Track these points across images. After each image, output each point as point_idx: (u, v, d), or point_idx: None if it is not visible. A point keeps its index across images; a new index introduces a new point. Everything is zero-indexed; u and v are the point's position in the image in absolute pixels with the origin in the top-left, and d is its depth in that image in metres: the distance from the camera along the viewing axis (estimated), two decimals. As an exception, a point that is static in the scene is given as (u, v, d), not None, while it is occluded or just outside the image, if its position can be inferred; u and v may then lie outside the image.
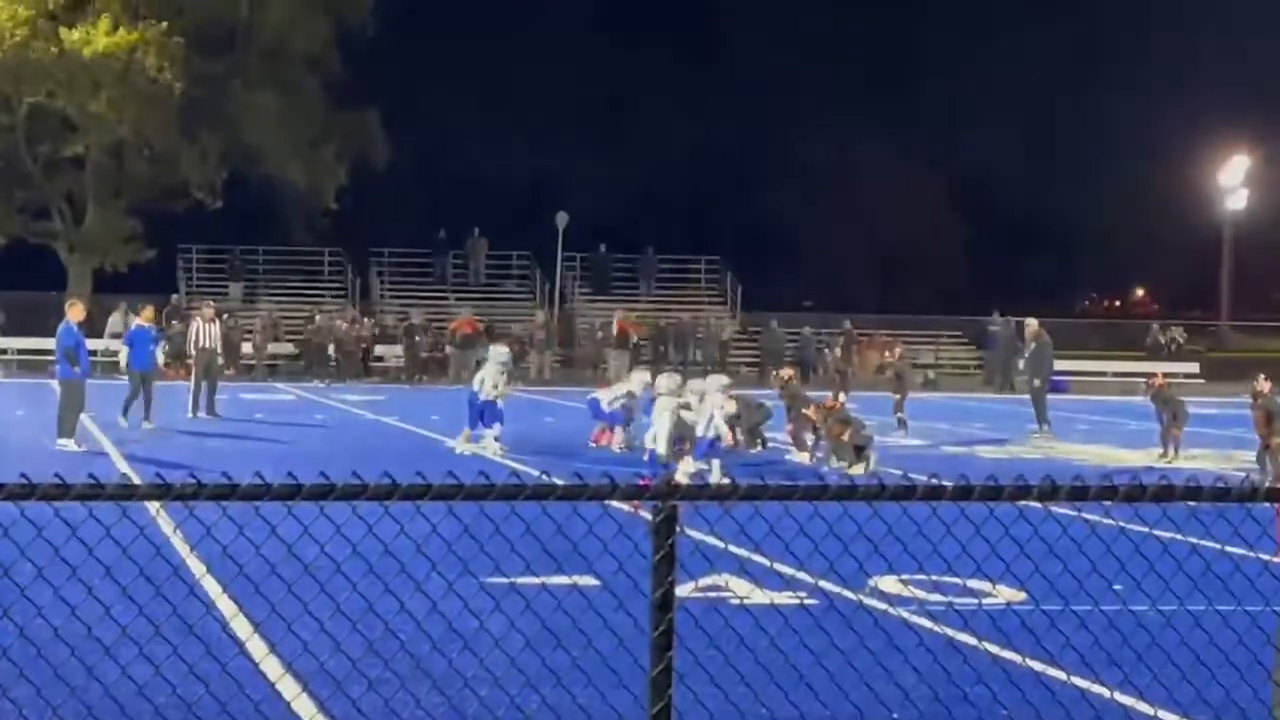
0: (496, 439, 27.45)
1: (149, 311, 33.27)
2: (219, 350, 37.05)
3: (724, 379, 26.86)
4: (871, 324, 61.63)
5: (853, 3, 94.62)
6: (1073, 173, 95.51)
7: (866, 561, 9.91)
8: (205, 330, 35.70)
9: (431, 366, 53.65)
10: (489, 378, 27.70)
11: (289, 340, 55.94)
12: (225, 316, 54.59)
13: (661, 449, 23.49)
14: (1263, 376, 26.05)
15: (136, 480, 21.08)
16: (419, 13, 75.11)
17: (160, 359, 35.16)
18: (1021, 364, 41.41)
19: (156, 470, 22.81)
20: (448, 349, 53.21)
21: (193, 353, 35.89)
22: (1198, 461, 28.74)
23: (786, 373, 31.49)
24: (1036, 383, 36.11)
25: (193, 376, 35.42)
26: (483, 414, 27.53)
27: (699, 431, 24.12)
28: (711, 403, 24.49)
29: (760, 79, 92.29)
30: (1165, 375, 32.70)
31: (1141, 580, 10.43)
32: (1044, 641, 10.25)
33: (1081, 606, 11.26)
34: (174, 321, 53.16)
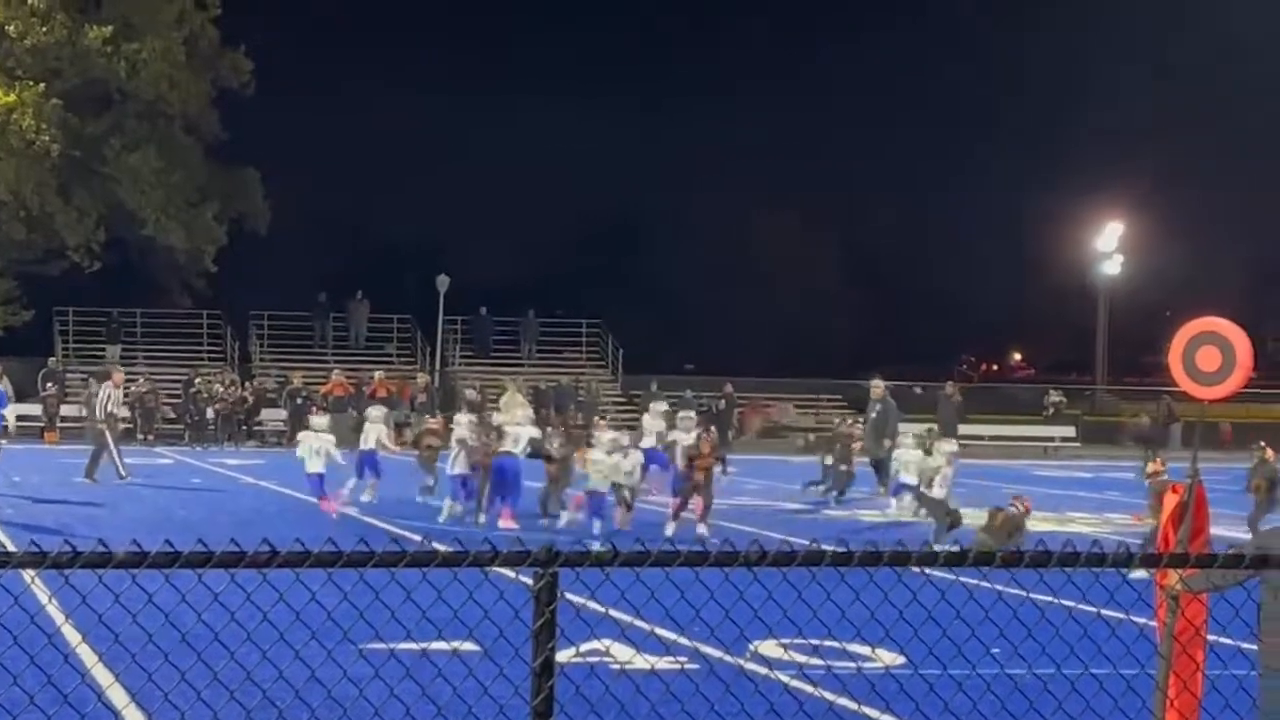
0: (370, 489, 28.53)
1: None
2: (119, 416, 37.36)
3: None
4: (753, 387, 61.85)
5: (744, 68, 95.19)
6: (951, 237, 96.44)
7: (747, 627, 9.92)
8: (115, 396, 36.17)
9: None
10: (377, 435, 29.01)
11: (166, 404, 55.43)
12: (139, 380, 54.16)
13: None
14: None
15: (10, 547, 20.82)
16: (300, 73, 74.94)
17: (11, 420, 35.14)
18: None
19: (31, 537, 22.54)
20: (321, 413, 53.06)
21: (102, 417, 35.80)
22: (1074, 525, 28.97)
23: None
24: (887, 443, 35.14)
25: (110, 440, 35.24)
26: (363, 466, 28.66)
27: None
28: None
29: (643, 143, 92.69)
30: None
31: (1019, 644, 10.50)
32: (923, 705, 10.30)
33: (960, 670, 11.33)
34: (49, 385, 52.61)
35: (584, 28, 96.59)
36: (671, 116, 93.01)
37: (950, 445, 27.04)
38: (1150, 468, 25.68)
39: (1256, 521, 26.21)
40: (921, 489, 26.34)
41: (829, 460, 33.92)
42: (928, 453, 28.82)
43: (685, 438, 28.61)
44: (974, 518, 25.55)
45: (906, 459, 30.06)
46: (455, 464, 27.20)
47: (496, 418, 28.40)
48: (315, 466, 28.54)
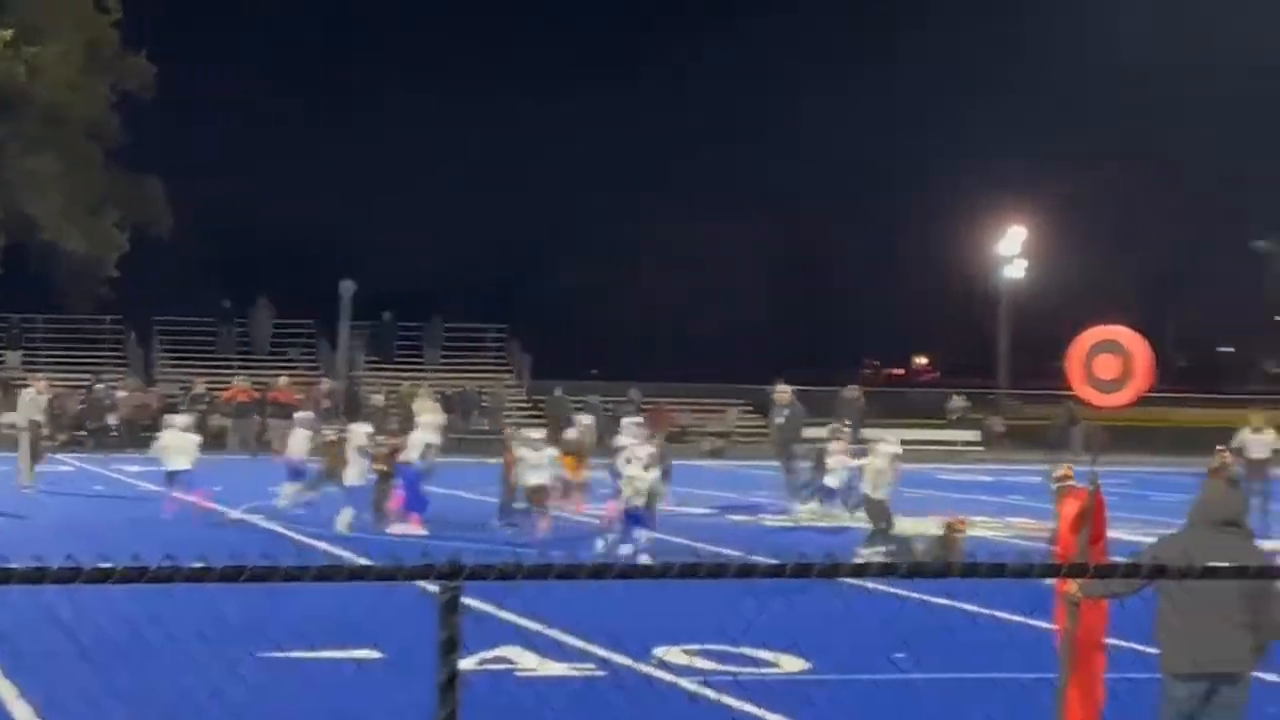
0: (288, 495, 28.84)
1: None
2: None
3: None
4: (658, 392, 61.90)
5: (651, 69, 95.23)
6: (856, 241, 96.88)
7: (652, 634, 9.94)
8: (39, 402, 36.17)
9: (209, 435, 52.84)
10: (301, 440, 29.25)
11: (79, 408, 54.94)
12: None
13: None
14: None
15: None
16: (201, 78, 74.54)
17: None
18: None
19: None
20: (223, 418, 52.73)
21: (24, 424, 35.58)
22: (977, 530, 29.12)
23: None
24: (792, 447, 35.32)
25: (26, 446, 35.00)
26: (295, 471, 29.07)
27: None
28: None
29: (548, 147, 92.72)
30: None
31: (922, 650, 10.57)
32: (826, 711, 10.35)
33: (863, 676, 11.40)
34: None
35: (497, 27, 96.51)
36: (575, 120, 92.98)
37: (893, 446, 26.82)
38: (1059, 472, 25.44)
39: None
40: (865, 491, 26.18)
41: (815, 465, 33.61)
42: (837, 454, 28.90)
43: (636, 444, 28.48)
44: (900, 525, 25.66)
45: (834, 465, 30.12)
46: (353, 474, 27.12)
47: (419, 422, 28.44)
48: (177, 464, 28.65)
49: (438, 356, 65.44)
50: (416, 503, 26.77)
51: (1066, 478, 23.52)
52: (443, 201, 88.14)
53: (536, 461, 26.19)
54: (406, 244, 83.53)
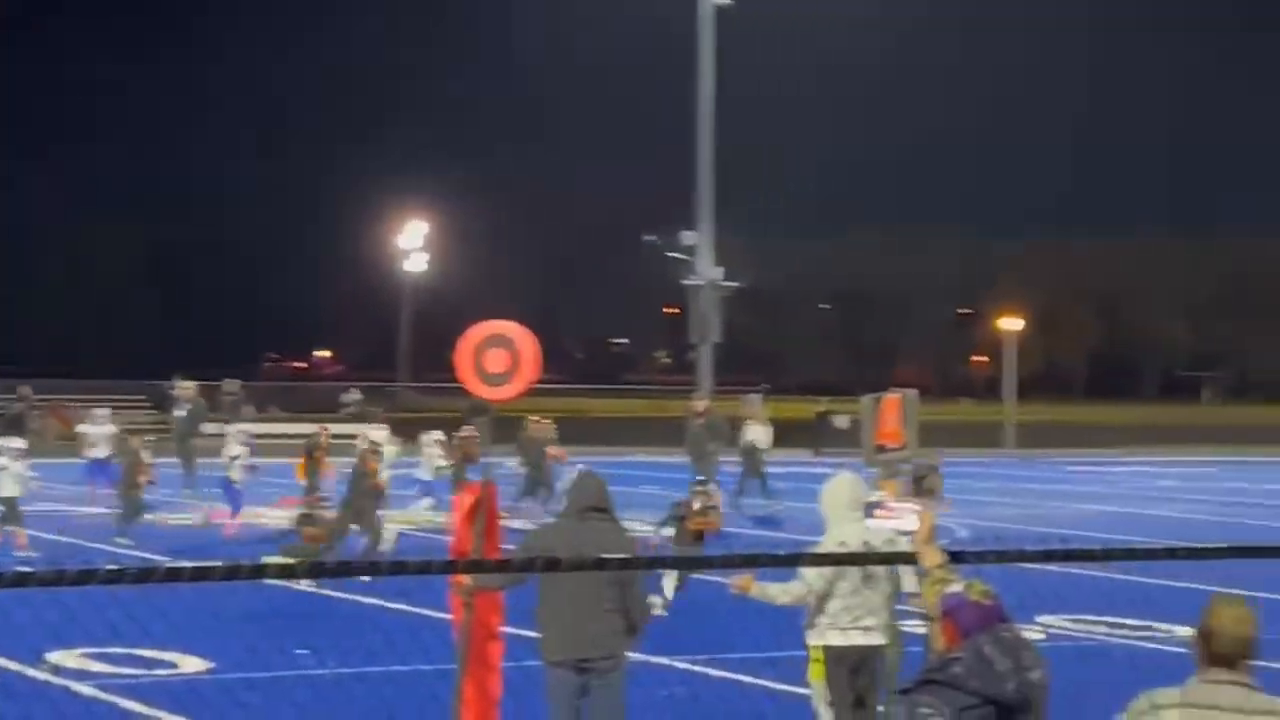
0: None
1: None
2: None
3: None
4: (49, 389, 60.12)
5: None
6: (257, 234, 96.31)
7: (45, 639, 9.73)
8: None
9: None
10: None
11: None
12: None
13: None
14: None
15: None
16: None
17: None
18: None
19: None
20: None
21: None
22: (394, 522, 29.11)
23: None
24: (191, 443, 35.04)
25: None
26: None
27: None
28: None
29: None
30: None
31: (326, 646, 10.63)
32: (227, 711, 10.32)
33: (265, 674, 11.39)
34: None
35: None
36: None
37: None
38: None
39: None
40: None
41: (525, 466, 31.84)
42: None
43: (244, 451, 27.88)
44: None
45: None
46: None
47: None
48: None
49: None
50: None
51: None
52: None
53: (18, 471, 24.31)
54: None
